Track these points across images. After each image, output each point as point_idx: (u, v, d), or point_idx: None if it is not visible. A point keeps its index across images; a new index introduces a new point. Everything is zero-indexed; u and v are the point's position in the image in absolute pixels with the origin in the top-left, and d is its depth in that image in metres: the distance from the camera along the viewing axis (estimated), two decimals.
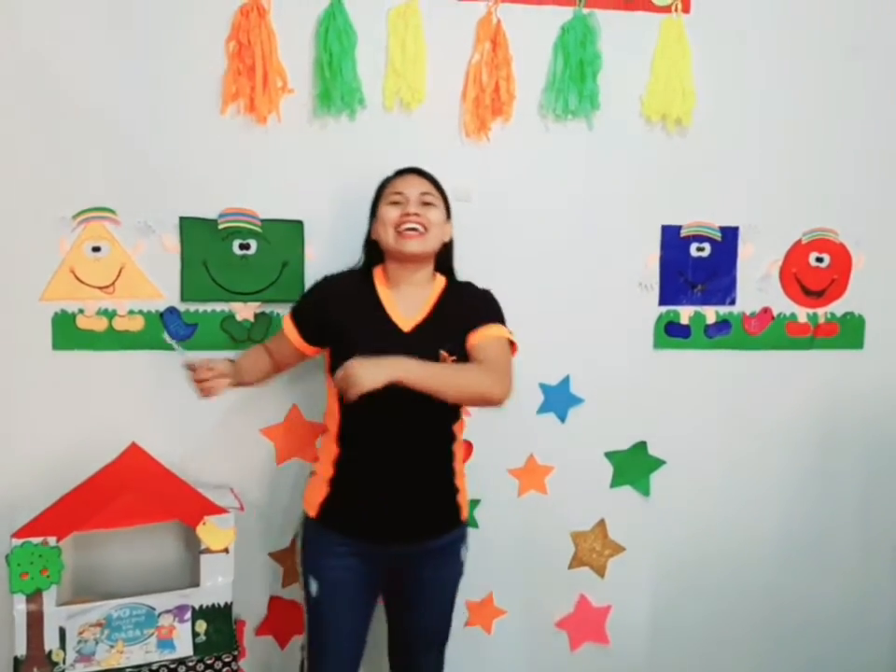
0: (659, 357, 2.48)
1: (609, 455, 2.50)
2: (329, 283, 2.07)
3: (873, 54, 2.45)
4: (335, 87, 2.21)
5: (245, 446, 2.33)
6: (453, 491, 2.04)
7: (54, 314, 2.19)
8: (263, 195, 2.24)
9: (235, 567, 2.17)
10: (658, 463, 2.51)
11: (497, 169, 2.34)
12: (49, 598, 2.01)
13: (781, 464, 2.57)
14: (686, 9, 2.34)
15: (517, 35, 2.28)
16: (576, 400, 2.46)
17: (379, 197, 2.04)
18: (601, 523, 2.52)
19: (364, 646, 2.10)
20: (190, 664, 2.12)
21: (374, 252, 2.06)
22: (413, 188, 2.00)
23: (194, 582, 2.15)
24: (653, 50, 2.35)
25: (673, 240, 2.44)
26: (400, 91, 2.26)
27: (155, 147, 2.18)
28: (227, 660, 2.15)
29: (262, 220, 2.24)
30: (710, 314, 2.49)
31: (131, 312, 2.22)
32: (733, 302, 2.49)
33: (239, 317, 2.27)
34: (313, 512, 2.02)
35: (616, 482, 2.51)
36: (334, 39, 2.20)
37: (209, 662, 2.13)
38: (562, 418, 2.46)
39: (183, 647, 2.12)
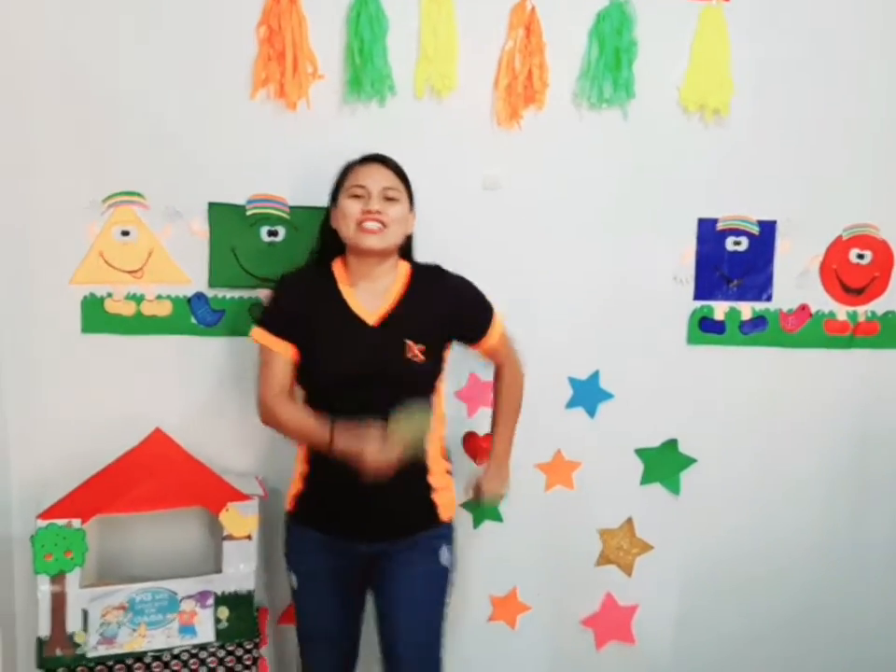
0: (692, 353, 2.43)
1: (639, 451, 2.46)
2: (288, 282, 2.03)
3: None
4: (365, 73, 2.18)
5: (270, 434, 2.31)
6: (425, 488, 1.99)
7: (83, 297, 2.20)
8: (292, 181, 2.23)
9: (259, 555, 2.18)
10: (689, 461, 2.47)
11: (529, 158, 2.31)
12: (72, 580, 2.03)
13: (816, 464, 2.52)
14: None
15: (551, 22, 2.24)
16: (605, 395, 2.42)
17: (340, 184, 1.98)
18: (629, 520, 2.49)
19: (352, 641, 2.10)
20: (212, 649, 2.13)
21: (332, 239, 2.01)
22: (376, 181, 1.93)
23: (217, 569, 2.16)
24: (692, 39, 2.29)
25: (709, 233, 2.39)
26: (431, 78, 2.23)
27: (184, 131, 2.17)
28: (248, 647, 2.15)
29: (291, 207, 2.23)
30: (746, 309, 2.43)
31: (159, 296, 2.23)
32: (769, 298, 2.43)
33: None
34: (289, 507, 2.05)
35: (646, 479, 2.47)
36: (366, 25, 2.17)
37: (230, 648, 2.14)
38: (591, 413, 2.43)
39: (205, 632, 2.13)
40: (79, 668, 2.04)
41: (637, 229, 2.37)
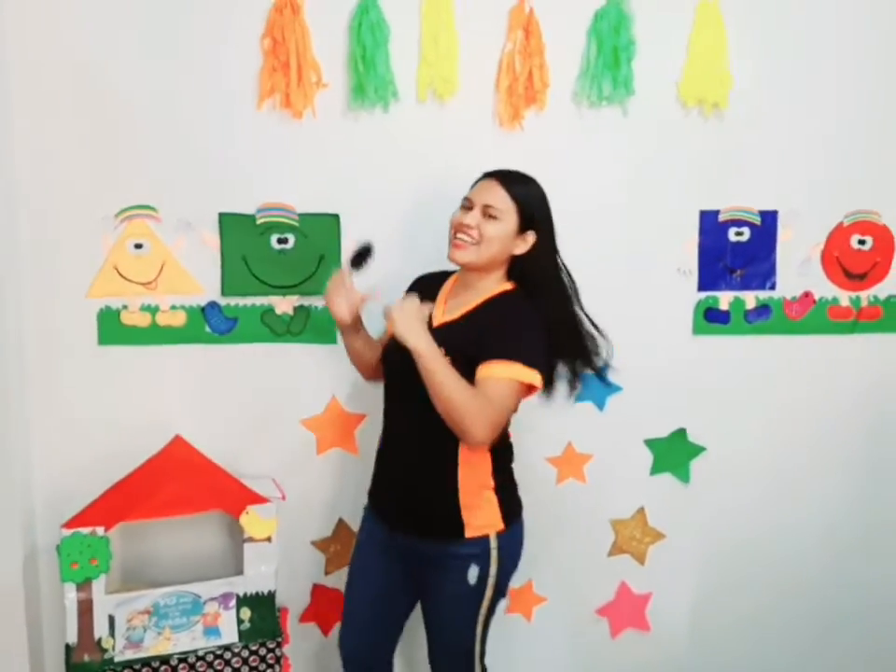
0: (698, 344, 2.47)
1: (648, 442, 2.50)
2: (417, 281, 2.15)
3: None
4: (369, 80, 2.21)
5: (286, 438, 2.37)
6: (453, 503, 1.94)
7: (99, 310, 2.24)
8: (300, 189, 2.26)
9: (278, 555, 2.21)
10: (698, 450, 2.50)
11: (532, 157, 2.31)
12: (98, 587, 2.07)
13: (824, 450, 2.55)
14: None
15: (550, 23, 2.26)
16: (614, 388, 2.45)
17: None
18: (641, 510, 2.52)
19: (387, 624, 2.17)
20: (236, 650, 2.16)
21: None
22: (482, 197, 1.93)
23: (238, 571, 2.19)
24: (689, 35, 2.32)
25: (711, 225, 2.42)
26: (433, 82, 2.26)
27: (193, 144, 2.21)
28: (271, 646, 2.19)
29: (299, 214, 2.27)
30: (750, 299, 2.46)
31: (173, 307, 2.27)
32: (773, 287, 2.46)
33: (278, 311, 2.30)
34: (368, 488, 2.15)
35: (656, 469, 2.51)
36: (367, 33, 2.20)
37: (254, 648, 2.18)
38: (600, 406, 2.47)
39: (228, 633, 2.16)
40: None
41: (640, 223, 2.40)
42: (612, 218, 2.39)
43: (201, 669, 2.15)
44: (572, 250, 2.36)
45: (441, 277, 2.09)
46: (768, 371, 2.49)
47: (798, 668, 2.63)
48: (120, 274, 2.23)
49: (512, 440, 2.13)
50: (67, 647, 2.08)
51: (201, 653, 2.14)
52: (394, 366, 1.97)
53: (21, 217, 2.17)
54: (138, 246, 2.23)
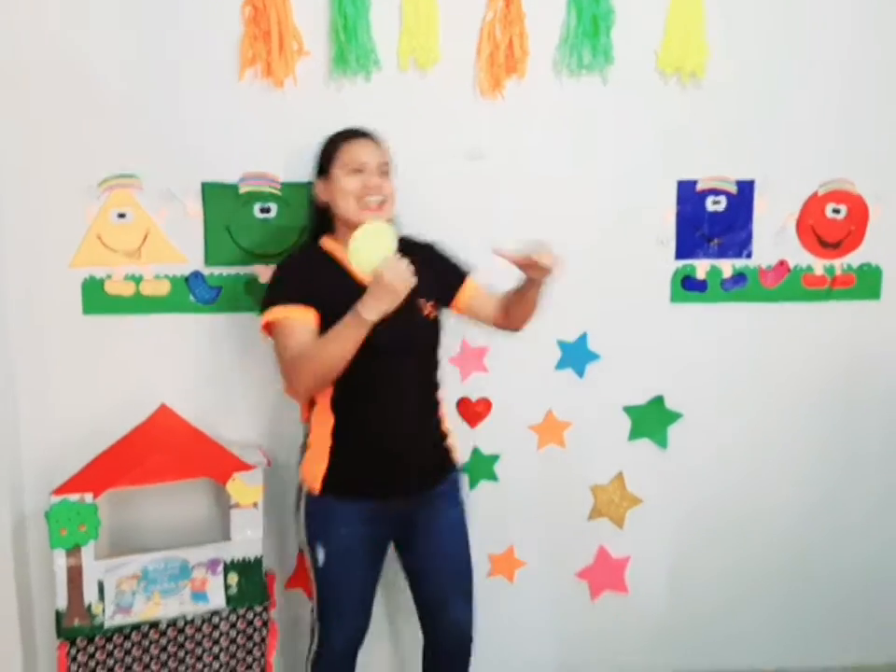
0: (676, 312, 2.50)
1: (626, 409, 2.54)
2: (293, 262, 2.08)
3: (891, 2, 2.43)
4: (350, 49, 2.23)
5: (271, 406, 2.39)
6: (443, 437, 2.12)
7: (83, 279, 2.25)
8: (282, 158, 2.27)
9: (266, 523, 2.24)
10: (675, 416, 2.55)
11: (513, 126, 2.36)
12: (87, 553, 2.09)
13: (799, 415, 2.59)
14: None
15: None
16: (593, 356, 2.49)
17: (330, 159, 2.02)
18: (619, 475, 2.57)
19: (369, 611, 2.15)
20: (224, 614, 2.21)
21: (321, 216, 2.08)
22: (373, 157, 2.00)
23: (225, 537, 2.22)
24: (667, 4, 2.34)
25: (689, 194, 2.45)
26: (415, 51, 2.27)
27: (175, 114, 2.22)
28: (258, 611, 2.23)
29: (282, 184, 2.28)
30: (727, 267, 2.50)
31: (157, 276, 2.28)
32: (749, 256, 2.50)
33: (262, 280, 2.31)
34: (316, 485, 2.03)
35: (634, 435, 2.55)
36: (349, 2, 2.21)
37: (241, 612, 2.22)
38: (580, 374, 2.50)
39: (216, 598, 2.20)
40: (97, 637, 2.11)
41: (619, 191, 2.43)
42: (591, 187, 2.42)
43: (189, 633, 2.19)
44: (551, 218, 2.41)
45: (311, 252, 2.08)
46: (744, 339, 2.53)
47: (772, 625, 2.70)
48: (104, 244, 2.24)
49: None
50: (57, 613, 2.11)
51: (189, 618, 2.18)
52: (387, 344, 1.90)
53: (2, 187, 2.17)
54: (121, 216, 2.24)
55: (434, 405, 2.11)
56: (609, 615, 2.64)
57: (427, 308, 2.02)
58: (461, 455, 2.21)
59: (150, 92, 2.20)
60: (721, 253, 2.49)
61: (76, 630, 2.09)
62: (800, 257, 2.52)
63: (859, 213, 2.51)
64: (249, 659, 2.25)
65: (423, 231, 2.20)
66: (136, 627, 2.14)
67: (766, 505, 2.62)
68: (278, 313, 1.94)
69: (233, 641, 2.22)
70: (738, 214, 2.48)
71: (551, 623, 2.64)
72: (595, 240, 2.44)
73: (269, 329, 1.98)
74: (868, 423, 2.63)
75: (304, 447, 2.11)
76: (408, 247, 1.99)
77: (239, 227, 2.29)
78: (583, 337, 2.48)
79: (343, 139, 2.04)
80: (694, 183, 2.45)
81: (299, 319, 1.93)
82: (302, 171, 2.26)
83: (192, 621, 2.19)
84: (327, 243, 2.06)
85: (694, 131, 2.42)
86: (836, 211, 2.50)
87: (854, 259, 2.54)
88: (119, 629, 2.13)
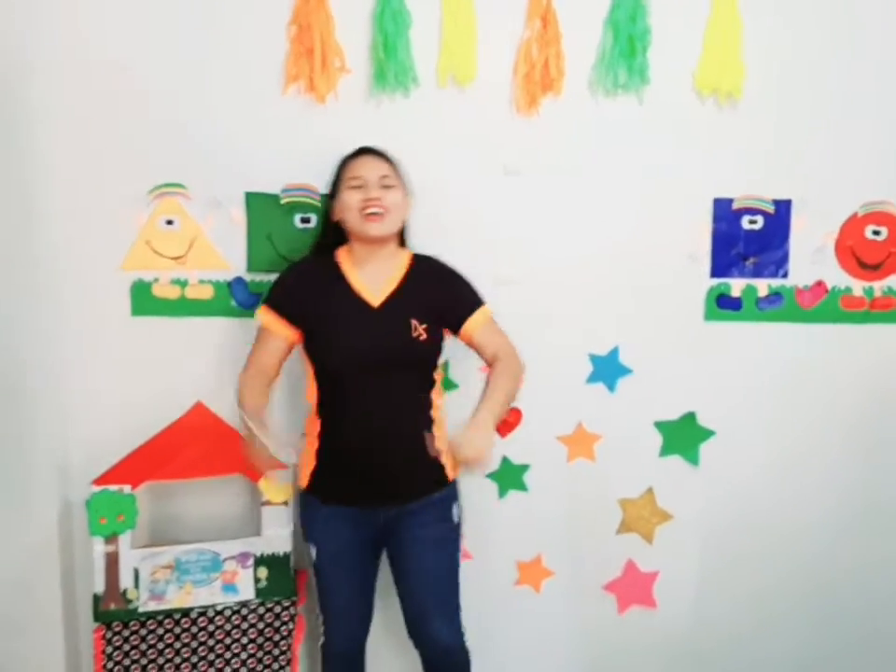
0: (710, 329, 2.51)
1: (657, 424, 2.55)
2: (296, 269, 2.20)
3: None
4: (390, 66, 2.31)
5: (303, 409, 2.45)
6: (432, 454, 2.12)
7: (132, 282, 2.38)
8: (322, 171, 2.33)
9: (297, 521, 2.31)
10: (707, 433, 2.55)
11: (548, 144, 2.41)
12: (124, 541, 2.21)
13: (832, 438, 2.57)
14: None
15: (567, 12, 2.33)
16: (625, 371, 2.51)
17: (339, 179, 2.13)
18: (649, 490, 2.58)
19: (371, 605, 2.23)
20: (252, 606, 2.30)
21: (334, 231, 2.19)
22: (373, 171, 2.09)
23: (256, 532, 2.31)
24: (704, 24, 2.36)
25: (725, 213, 2.46)
26: (453, 68, 2.34)
27: (222, 126, 2.33)
28: (286, 605, 2.32)
29: (322, 195, 2.36)
30: (762, 286, 2.49)
31: (201, 281, 2.39)
32: (785, 275, 2.49)
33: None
34: (304, 484, 2.16)
35: (665, 451, 2.56)
36: (389, 20, 2.29)
37: (270, 605, 2.31)
38: (611, 388, 2.52)
39: (245, 591, 2.30)
40: (132, 622, 2.23)
41: (655, 209, 2.45)
42: (627, 205, 2.45)
43: (219, 623, 2.29)
44: (587, 234, 2.45)
45: (319, 261, 2.19)
46: (778, 359, 2.52)
47: (801, 648, 2.66)
48: (153, 249, 2.36)
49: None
50: (95, 597, 2.23)
51: (219, 608, 2.28)
52: (360, 355, 2.03)
53: (60, 195, 2.31)
54: (169, 223, 2.35)
55: (422, 421, 2.12)
56: (636, 629, 2.65)
57: (419, 329, 2.06)
58: (455, 471, 2.19)
59: (198, 106, 2.31)
60: (757, 272, 2.49)
61: (111, 614, 2.21)
62: (838, 278, 2.50)
63: None
64: (276, 651, 2.33)
65: (457, 245, 2.28)
66: (169, 615, 2.25)
67: (797, 527, 2.60)
68: (264, 316, 2.14)
69: (261, 633, 2.31)
70: (775, 233, 2.47)
71: (576, 635, 2.66)
72: (628, 256, 2.46)
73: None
74: None
75: (303, 448, 2.21)
76: (424, 269, 2.15)
77: (280, 236, 2.38)
78: (615, 351, 2.51)
79: (348, 159, 2.14)
80: (730, 202, 2.45)
81: (277, 334, 2.13)
82: None
83: (222, 611, 2.28)
84: (340, 254, 2.17)
85: (731, 150, 2.43)
86: (876, 233, 2.48)
87: (895, 281, 2.50)
88: (153, 615, 2.24)
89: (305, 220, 2.39)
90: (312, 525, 2.18)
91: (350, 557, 2.15)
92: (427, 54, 2.34)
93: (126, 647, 2.24)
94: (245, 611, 2.30)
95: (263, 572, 2.30)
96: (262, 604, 2.30)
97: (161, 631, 2.25)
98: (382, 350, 2.01)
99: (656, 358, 2.51)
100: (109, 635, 2.22)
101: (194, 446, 2.21)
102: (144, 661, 2.26)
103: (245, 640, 2.31)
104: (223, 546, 2.29)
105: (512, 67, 2.36)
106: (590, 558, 2.61)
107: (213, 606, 2.28)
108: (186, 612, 2.26)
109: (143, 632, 2.24)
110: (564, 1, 2.33)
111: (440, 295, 2.13)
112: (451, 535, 2.19)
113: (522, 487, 2.55)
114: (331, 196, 2.18)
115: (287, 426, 2.42)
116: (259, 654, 2.32)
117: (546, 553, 2.60)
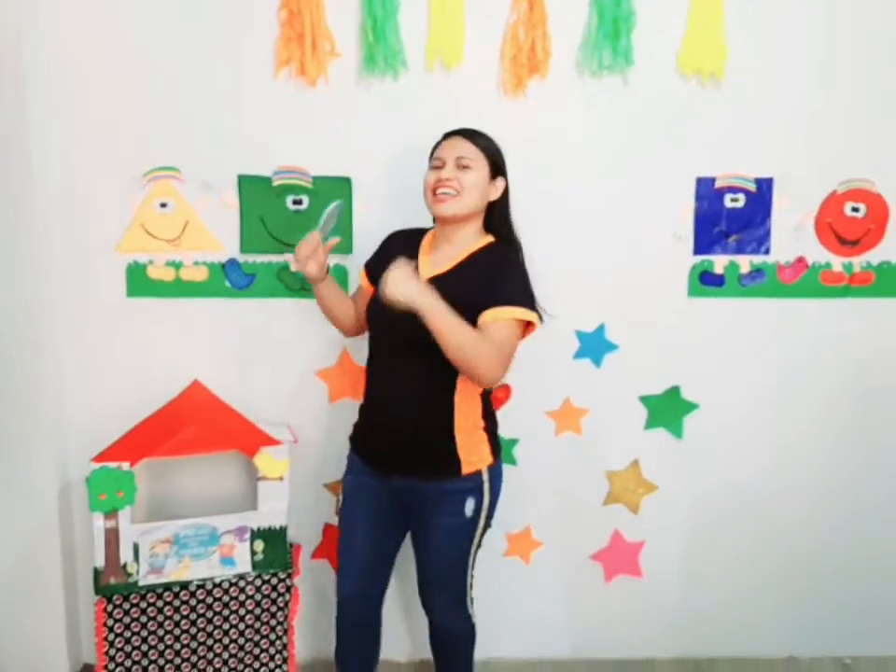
0: (693, 305, 2.57)
1: (643, 398, 2.61)
2: (392, 236, 2.25)
3: None
4: (379, 50, 2.35)
5: (300, 387, 2.54)
6: (449, 440, 2.07)
7: (128, 264, 2.43)
8: (314, 153, 2.40)
9: (293, 497, 2.38)
10: (691, 406, 2.62)
11: (535, 124, 2.45)
12: (124, 517, 2.25)
13: (813, 409, 2.64)
14: None
15: None
16: (611, 346, 2.58)
17: (430, 160, 2.13)
18: (635, 462, 2.65)
19: (386, 568, 2.28)
20: (249, 579, 2.35)
21: None
22: (452, 151, 2.06)
23: (252, 507, 2.36)
24: (688, 5, 2.40)
25: (707, 191, 2.51)
26: (441, 52, 2.38)
27: (215, 110, 2.38)
28: (282, 577, 2.38)
29: (313, 177, 2.41)
30: (744, 263, 2.55)
31: (195, 263, 2.44)
32: (767, 252, 2.55)
33: (293, 268, 2.45)
34: (351, 433, 2.27)
35: (650, 424, 2.63)
36: (378, 5, 2.33)
37: (266, 578, 2.37)
38: (597, 363, 2.59)
39: (242, 564, 2.35)
40: (132, 595, 2.28)
41: (639, 188, 2.50)
42: (611, 184, 2.50)
43: (217, 595, 2.35)
44: (572, 213, 2.50)
45: (416, 234, 2.20)
46: (760, 333, 2.59)
47: (784, 613, 2.75)
48: (147, 232, 2.41)
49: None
50: (95, 571, 2.28)
51: (217, 580, 2.34)
52: (382, 320, 2.04)
53: (56, 177, 2.35)
54: (163, 205, 2.40)
55: (447, 406, 2.07)
56: (623, 598, 2.73)
57: None
58: (475, 466, 2.10)
59: (192, 90, 2.36)
60: (739, 249, 2.55)
61: (111, 588, 2.26)
62: (818, 254, 2.56)
63: (878, 211, 2.54)
64: (273, 622, 2.39)
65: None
66: (168, 587, 2.30)
67: (779, 496, 2.68)
68: (361, 274, 2.28)
69: (258, 604, 2.37)
70: (757, 211, 2.53)
71: (565, 604, 2.74)
72: (614, 234, 2.52)
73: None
74: (883, 418, 2.66)
75: None
76: (487, 258, 2.07)
77: (272, 217, 2.43)
78: (601, 328, 2.57)
79: (440, 141, 2.14)
80: (713, 180, 2.51)
81: (361, 282, 2.27)
82: (333, 165, 2.41)
83: (220, 584, 2.34)
84: (430, 232, 2.19)
85: (713, 129, 2.48)
86: (855, 209, 2.54)
87: (873, 256, 2.57)
88: (152, 588, 2.29)
89: (297, 202, 2.43)
90: (347, 471, 2.27)
91: (365, 506, 2.20)
92: (415, 38, 2.38)
93: (126, 619, 2.29)
94: (242, 584, 2.36)
95: (260, 545, 2.36)
96: (259, 576, 2.36)
97: (160, 604, 2.31)
98: (404, 329, 1.92)
99: (641, 334, 2.57)
100: (110, 608, 2.27)
101: (191, 424, 2.25)
102: (144, 633, 2.31)
103: (242, 612, 2.37)
104: (220, 521, 2.34)
105: (499, 50, 2.41)
106: (577, 529, 2.69)
107: (211, 579, 2.33)
108: (185, 585, 2.32)
109: (143, 605, 2.29)
110: None
111: (481, 283, 1.99)
112: (461, 528, 2.14)
113: (511, 461, 2.61)
114: None
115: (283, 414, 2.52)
116: (257, 625, 2.39)
117: (535, 525, 2.68)
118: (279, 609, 2.39)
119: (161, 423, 2.27)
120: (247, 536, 2.35)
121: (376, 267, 2.09)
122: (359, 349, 2.50)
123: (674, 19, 2.41)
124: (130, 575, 2.28)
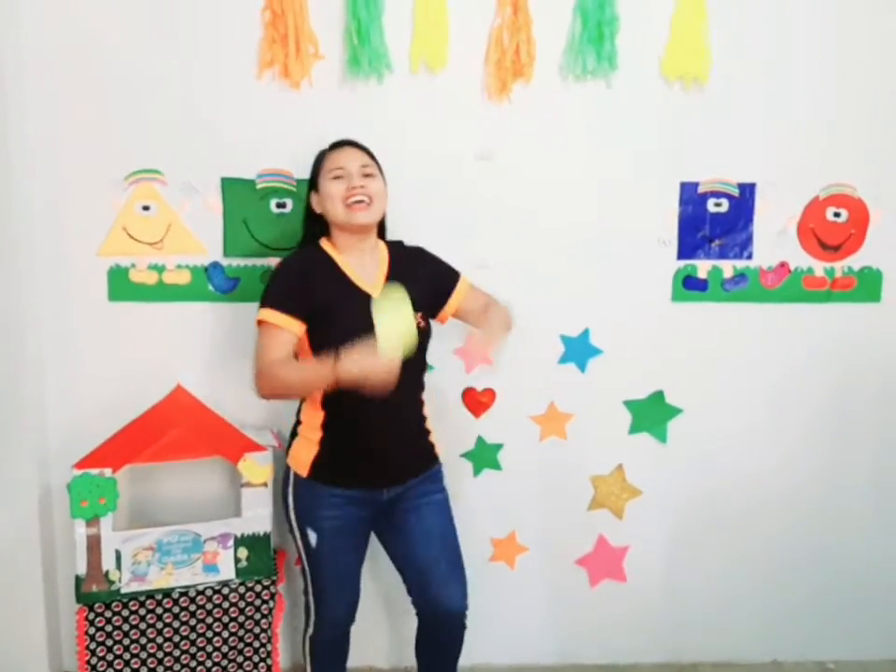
0: (677, 310, 2.58)
1: (627, 403, 2.62)
2: (291, 263, 2.12)
3: (891, 7, 2.47)
4: (363, 53, 2.34)
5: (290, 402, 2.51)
6: (426, 434, 2.20)
7: (109, 268, 2.40)
8: (297, 156, 2.37)
9: (276, 503, 2.34)
10: (675, 411, 2.62)
11: (519, 128, 2.45)
12: (106, 524, 2.23)
13: (796, 413, 2.65)
14: None
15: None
16: (595, 351, 2.58)
17: (318, 171, 2.13)
18: (619, 467, 2.65)
19: (358, 592, 2.24)
20: (233, 586, 2.33)
21: (314, 223, 2.17)
22: (353, 161, 2.08)
23: (236, 513, 2.35)
24: (671, 11, 2.41)
25: (691, 196, 2.53)
26: (425, 55, 2.38)
27: (197, 112, 2.36)
28: (266, 584, 2.36)
29: (297, 180, 2.40)
30: (727, 268, 2.57)
31: (178, 266, 2.42)
32: (750, 257, 2.56)
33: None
34: (304, 471, 2.11)
35: (634, 429, 2.63)
36: (362, 7, 2.33)
37: (250, 585, 2.35)
38: (582, 368, 2.59)
39: (226, 570, 2.33)
40: (114, 603, 2.25)
41: (623, 193, 2.51)
42: (595, 188, 2.50)
43: (201, 602, 2.32)
44: (557, 218, 2.50)
45: (313, 254, 2.13)
46: (743, 338, 2.60)
47: (768, 618, 2.76)
48: (129, 235, 2.38)
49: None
50: (77, 578, 2.25)
51: (200, 588, 2.31)
52: None
53: (36, 180, 2.33)
54: (146, 208, 2.38)
55: (419, 405, 2.19)
56: (608, 602, 2.73)
57: (419, 320, 2.03)
58: (439, 449, 2.24)
59: (175, 92, 2.34)
60: (723, 254, 2.56)
61: (93, 595, 2.24)
62: (800, 259, 2.57)
63: (859, 217, 2.56)
64: (257, 629, 2.37)
65: (429, 230, 2.33)
66: (150, 595, 2.28)
67: (763, 500, 2.68)
68: (268, 315, 2.02)
69: (242, 612, 2.35)
70: (740, 216, 2.54)
71: (550, 609, 2.74)
72: (598, 239, 2.52)
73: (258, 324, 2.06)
74: (865, 422, 2.68)
75: (293, 434, 2.19)
76: (401, 254, 2.17)
77: (256, 220, 2.42)
78: (586, 332, 2.57)
79: (327, 151, 2.15)
80: (696, 185, 2.52)
81: (283, 328, 2.01)
82: None
83: (204, 591, 2.32)
84: (325, 244, 2.14)
85: (697, 134, 2.49)
86: (837, 214, 2.56)
87: (855, 261, 2.59)
88: (135, 596, 2.26)
89: (281, 205, 2.42)
90: (313, 510, 2.13)
91: (349, 536, 2.16)
92: (400, 41, 2.38)
93: (109, 627, 2.26)
94: (226, 591, 2.33)
95: (244, 552, 2.34)
96: (243, 583, 2.34)
97: (143, 611, 2.28)
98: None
99: (626, 339, 2.57)
100: (92, 616, 2.25)
101: (174, 429, 2.23)
102: (126, 641, 2.29)
103: (226, 619, 2.35)
104: (204, 527, 2.32)
105: (484, 53, 2.41)
106: (562, 534, 2.68)
107: (194, 586, 2.31)
108: (167, 593, 2.29)
109: (125, 612, 2.27)
110: None
111: (423, 276, 2.15)
112: (447, 502, 2.24)
113: (496, 466, 2.61)
114: (311, 189, 2.16)
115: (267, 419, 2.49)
116: (241, 633, 2.37)
117: (520, 530, 2.67)
118: (263, 616, 2.37)
119: (143, 428, 2.24)
120: (231, 543, 2.33)
121: (296, 302, 2.02)
122: None
123: (658, 24, 2.42)
124: (112, 583, 2.25)
